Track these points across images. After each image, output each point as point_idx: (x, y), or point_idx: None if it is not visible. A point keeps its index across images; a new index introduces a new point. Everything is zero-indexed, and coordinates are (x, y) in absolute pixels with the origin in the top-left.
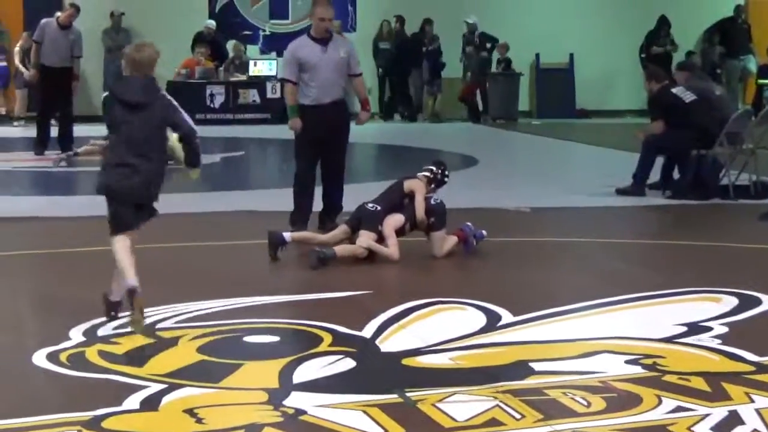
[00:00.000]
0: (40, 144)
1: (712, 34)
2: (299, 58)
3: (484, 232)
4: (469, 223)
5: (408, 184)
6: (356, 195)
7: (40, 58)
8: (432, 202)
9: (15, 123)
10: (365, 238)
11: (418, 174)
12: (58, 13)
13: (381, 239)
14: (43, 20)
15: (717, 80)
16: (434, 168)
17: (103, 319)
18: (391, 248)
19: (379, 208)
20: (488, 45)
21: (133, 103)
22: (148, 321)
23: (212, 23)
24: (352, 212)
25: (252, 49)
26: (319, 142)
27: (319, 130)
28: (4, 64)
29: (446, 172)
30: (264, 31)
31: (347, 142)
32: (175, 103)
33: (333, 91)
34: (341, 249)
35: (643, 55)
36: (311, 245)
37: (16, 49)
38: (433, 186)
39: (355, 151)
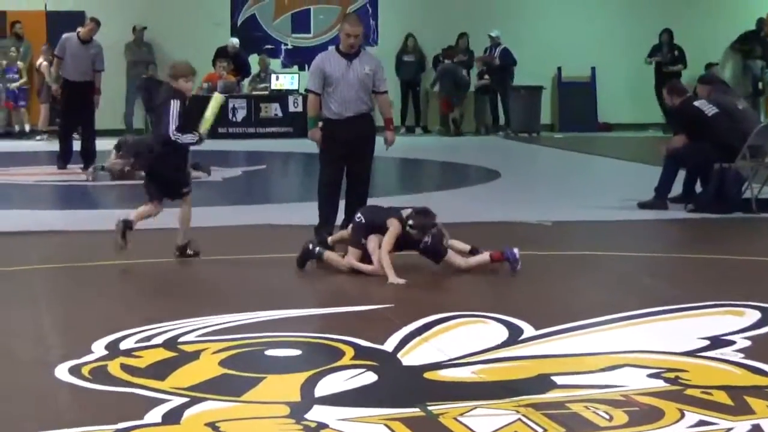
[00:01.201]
0: (62, 158)
1: (753, 47)
2: (324, 70)
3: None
4: (515, 249)
5: (388, 222)
6: None
7: (61, 73)
8: (421, 246)
9: (38, 137)
10: (350, 258)
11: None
12: (80, 29)
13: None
14: (65, 35)
15: (759, 94)
16: (404, 212)
17: (126, 332)
18: (375, 264)
19: (363, 220)
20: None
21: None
22: (174, 332)
23: (236, 41)
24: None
25: (274, 63)
26: (342, 154)
27: (341, 143)
28: (18, 84)
29: (410, 222)
30: (286, 45)
31: (372, 156)
32: (171, 110)
33: (355, 106)
34: (329, 256)
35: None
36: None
37: (44, 63)
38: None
39: (377, 165)
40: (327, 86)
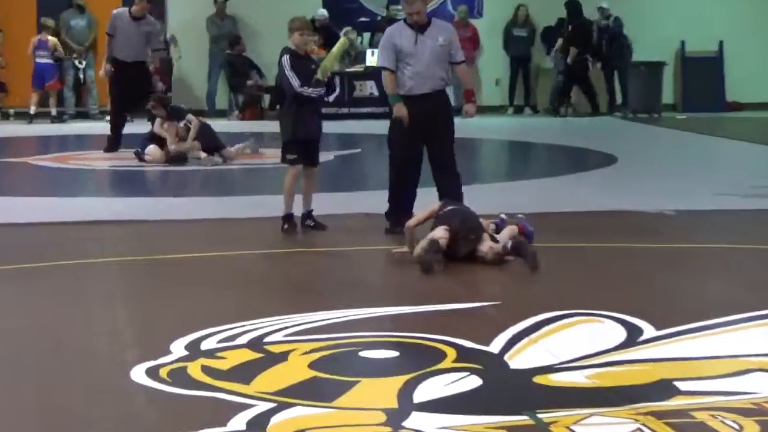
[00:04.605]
0: (113, 142)
1: None
2: (395, 44)
3: None
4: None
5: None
6: (489, 196)
7: (113, 52)
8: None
9: (107, 118)
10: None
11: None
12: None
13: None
14: (115, 11)
15: None
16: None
17: (207, 331)
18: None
19: (451, 227)
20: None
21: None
22: (259, 331)
23: (324, 13)
24: (449, 212)
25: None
26: (414, 134)
27: (412, 122)
28: (48, 60)
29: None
30: (382, 17)
31: (451, 134)
32: (283, 67)
33: (430, 81)
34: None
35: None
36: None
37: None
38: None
39: (481, 149)
40: (399, 61)
